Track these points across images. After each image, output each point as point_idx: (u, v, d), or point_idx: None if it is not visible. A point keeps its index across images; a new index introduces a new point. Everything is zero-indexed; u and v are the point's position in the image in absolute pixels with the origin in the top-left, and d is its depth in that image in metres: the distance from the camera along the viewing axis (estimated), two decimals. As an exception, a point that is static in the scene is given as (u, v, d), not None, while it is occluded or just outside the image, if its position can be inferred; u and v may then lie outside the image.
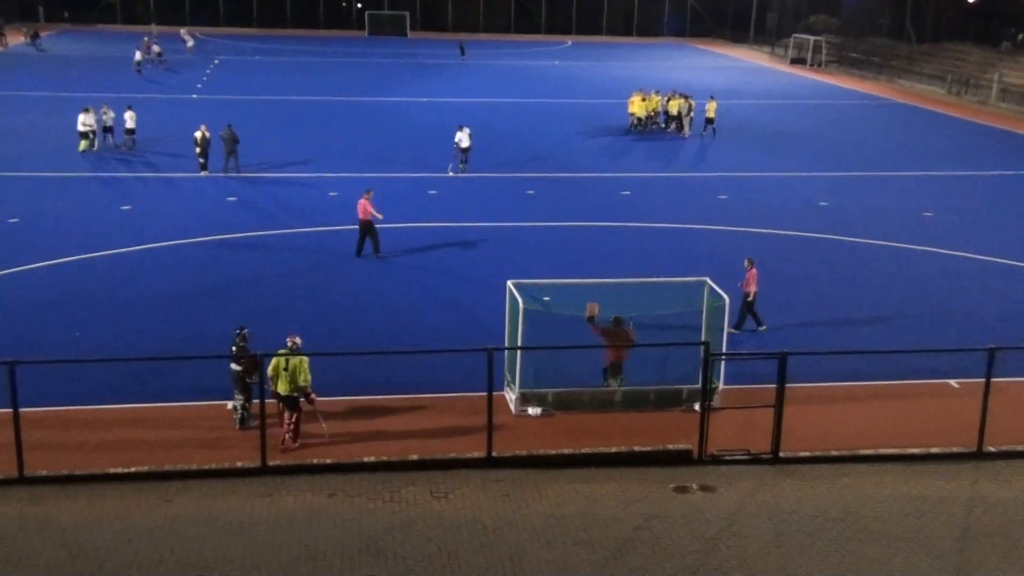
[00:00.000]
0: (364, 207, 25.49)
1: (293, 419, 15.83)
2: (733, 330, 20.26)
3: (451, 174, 34.85)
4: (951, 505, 14.49)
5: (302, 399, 15.85)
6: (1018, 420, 17.34)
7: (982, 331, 21.31)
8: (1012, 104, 57.61)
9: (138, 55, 62.14)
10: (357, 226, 25.67)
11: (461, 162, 35.19)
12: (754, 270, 21.03)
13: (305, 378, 15.67)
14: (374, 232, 25.58)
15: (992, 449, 16.06)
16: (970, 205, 33.31)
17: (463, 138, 35.11)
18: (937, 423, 17.26)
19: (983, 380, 15.88)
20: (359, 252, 25.52)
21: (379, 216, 25.82)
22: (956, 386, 18.71)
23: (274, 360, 15.55)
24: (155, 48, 66.14)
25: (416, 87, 58.47)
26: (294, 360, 15.47)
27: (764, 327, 21.23)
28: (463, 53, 72.02)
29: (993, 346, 16.14)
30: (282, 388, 15.63)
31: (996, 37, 68.78)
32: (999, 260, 26.88)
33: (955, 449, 16.11)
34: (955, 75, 64.17)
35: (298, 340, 15.95)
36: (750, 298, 20.99)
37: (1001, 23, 69.80)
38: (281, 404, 15.85)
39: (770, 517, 13.98)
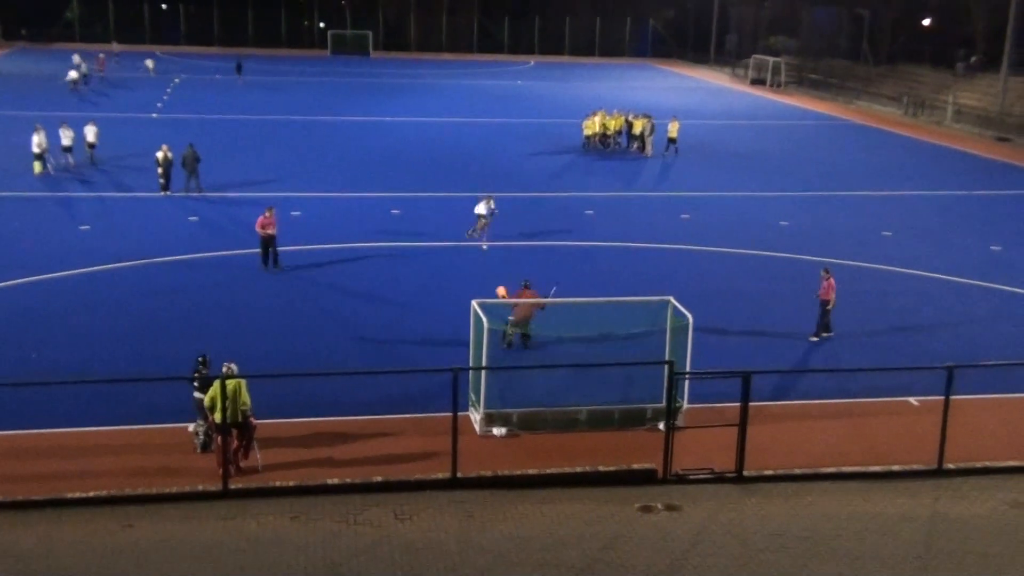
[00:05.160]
0: (261, 223, 25.79)
1: (245, 439, 15.59)
2: (814, 338, 22.29)
3: (484, 247, 28.68)
4: (912, 523, 14.62)
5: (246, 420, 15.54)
6: (976, 437, 17.57)
7: (940, 349, 21.58)
8: (966, 125, 58.57)
9: (73, 74, 60.36)
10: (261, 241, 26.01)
11: (475, 230, 29.23)
12: (832, 279, 22.30)
13: (244, 401, 15.42)
14: (267, 247, 25.91)
15: (952, 466, 16.23)
16: (927, 224, 33.79)
17: (481, 207, 29.34)
18: (897, 441, 17.43)
19: (942, 398, 16.08)
20: (271, 262, 25.90)
21: (273, 231, 25.96)
22: (916, 404, 18.92)
23: (210, 391, 15.30)
24: (83, 66, 63.25)
25: (379, 106, 58.44)
26: (232, 385, 15.20)
27: (831, 334, 22.45)
28: (239, 71, 68.85)
29: (951, 364, 16.37)
30: (220, 417, 15.13)
31: (951, 59, 69.97)
32: (956, 279, 27.26)
33: (915, 467, 16.27)
34: (911, 96, 65.19)
35: (233, 366, 15.68)
36: (829, 306, 22.24)
37: (956, 46, 71.04)
38: (220, 436, 15.13)
39: (735, 536, 14.03)
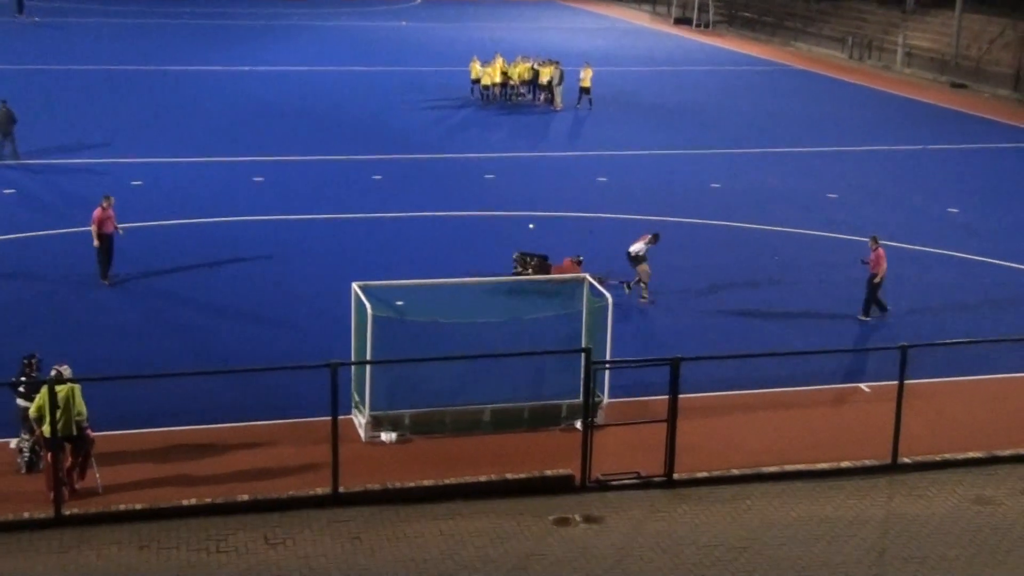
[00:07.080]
0: (100, 218, 23.23)
1: (81, 456, 15.28)
2: (863, 318, 22.63)
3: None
4: (864, 526, 15.07)
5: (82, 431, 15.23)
6: (934, 426, 18.16)
7: (893, 327, 22.21)
8: (918, 69, 60.27)
9: None
10: (96, 244, 23.26)
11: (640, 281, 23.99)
12: (881, 249, 22.55)
13: (80, 409, 15.11)
14: (109, 250, 23.48)
15: (907, 460, 16.76)
16: (876, 184, 34.72)
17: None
18: (847, 433, 17.91)
19: (896, 383, 16.57)
20: (105, 275, 23.42)
21: (121, 231, 23.81)
22: (867, 390, 19.47)
23: (37, 399, 14.96)
24: None
25: (234, 53, 57.47)
26: (63, 391, 14.86)
27: (870, 319, 22.71)
28: (20, 9, 66.82)
29: (905, 344, 16.84)
30: (50, 429, 14.71)
31: (900, -6, 71.72)
32: (909, 246, 28.04)
33: (867, 462, 16.75)
34: (856, 37, 66.75)
35: (65, 369, 15.35)
36: (877, 279, 22.48)
37: (906, -22, 72.82)
38: (50, 452, 14.78)
39: (664, 549, 14.27)
